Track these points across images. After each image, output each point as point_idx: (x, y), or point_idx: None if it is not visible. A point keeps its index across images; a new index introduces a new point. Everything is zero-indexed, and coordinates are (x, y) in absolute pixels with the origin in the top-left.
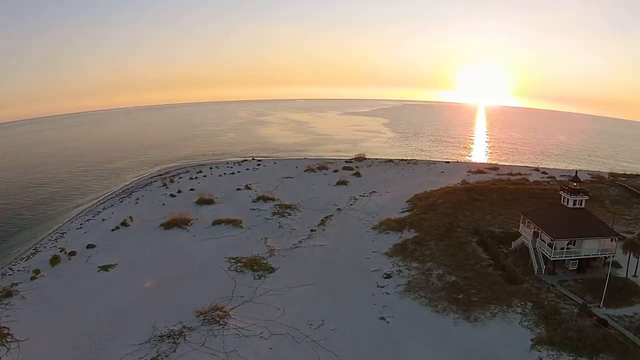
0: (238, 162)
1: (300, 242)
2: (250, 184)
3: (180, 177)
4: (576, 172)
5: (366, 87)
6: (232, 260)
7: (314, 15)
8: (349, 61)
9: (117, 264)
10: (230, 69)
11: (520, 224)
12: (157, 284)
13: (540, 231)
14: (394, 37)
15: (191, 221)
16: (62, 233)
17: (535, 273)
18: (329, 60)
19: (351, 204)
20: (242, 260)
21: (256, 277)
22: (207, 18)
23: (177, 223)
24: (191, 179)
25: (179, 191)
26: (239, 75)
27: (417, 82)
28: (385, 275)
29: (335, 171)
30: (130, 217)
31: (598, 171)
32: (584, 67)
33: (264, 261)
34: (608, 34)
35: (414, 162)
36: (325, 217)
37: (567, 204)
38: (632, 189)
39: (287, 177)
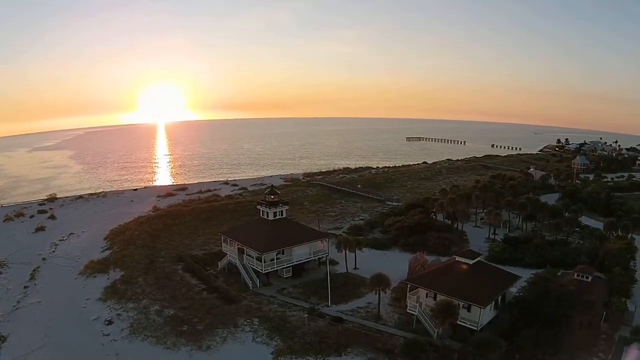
0: None
1: (18, 302)
2: None
3: None
4: (272, 186)
5: (51, 119)
6: None
7: None
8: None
9: None
10: None
11: (223, 243)
12: None
13: (245, 247)
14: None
15: None
16: None
17: (251, 288)
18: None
19: (53, 251)
20: None
21: None
22: None
23: None
24: None
25: None
26: None
27: (96, 107)
28: (106, 322)
29: (32, 217)
30: None
31: (291, 174)
32: (246, 74)
33: None
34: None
35: (104, 195)
36: (34, 270)
37: (268, 217)
38: (331, 185)
39: None
